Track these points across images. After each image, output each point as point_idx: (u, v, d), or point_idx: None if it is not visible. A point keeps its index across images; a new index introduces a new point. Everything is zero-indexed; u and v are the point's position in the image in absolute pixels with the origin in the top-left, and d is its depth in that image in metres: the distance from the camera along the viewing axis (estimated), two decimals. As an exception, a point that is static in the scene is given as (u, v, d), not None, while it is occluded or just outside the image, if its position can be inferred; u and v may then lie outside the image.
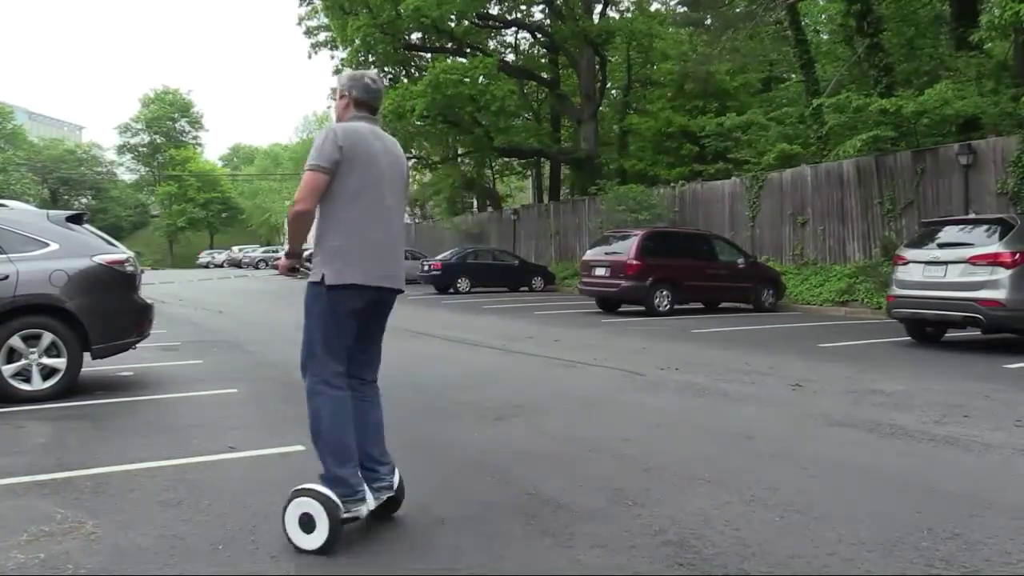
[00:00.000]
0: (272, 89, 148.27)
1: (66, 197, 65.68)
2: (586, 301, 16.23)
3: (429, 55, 30.05)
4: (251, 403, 6.10)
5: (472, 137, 29.00)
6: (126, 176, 76.17)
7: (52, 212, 6.80)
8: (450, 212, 39.39)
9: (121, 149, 73.68)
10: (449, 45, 28.61)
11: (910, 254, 9.73)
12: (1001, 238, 8.74)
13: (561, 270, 25.24)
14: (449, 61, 27.04)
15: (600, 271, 14.86)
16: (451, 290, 22.59)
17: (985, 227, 9.22)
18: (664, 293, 14.26)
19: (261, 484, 3.86)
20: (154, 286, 20.49)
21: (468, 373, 7.64)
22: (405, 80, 28.75)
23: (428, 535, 3.22)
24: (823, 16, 26.08)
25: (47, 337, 6.12)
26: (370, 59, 27.10)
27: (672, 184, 22.86)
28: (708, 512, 3.46)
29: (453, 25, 27.38)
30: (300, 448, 4.33)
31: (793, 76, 26.33)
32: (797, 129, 20.84)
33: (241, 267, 50.21)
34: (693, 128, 25.55)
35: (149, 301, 7.10)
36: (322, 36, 31.34)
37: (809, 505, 3.56)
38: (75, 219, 6.76)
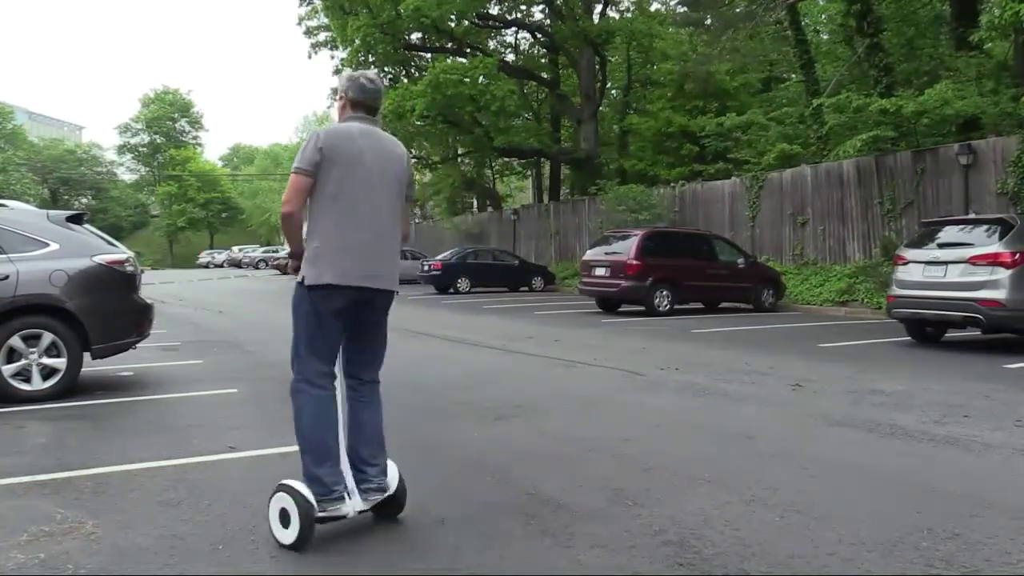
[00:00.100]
0: (272, 89, 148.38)
1: (66, 197, 65.68)
2: (586, 301, 16.23)
3: (429, 55, 30.07)
4: (251, 403, 6.11)
5: (472, 137, 29.01)
6: (126, 176, 76.23)
7: (52, 212, 6.80)
8: (450, 212, 39.41)
9: (121, 149, 73.71)
10: (449, 45, 28.62)
11: (910, 254, 9.73)
12: (1001, 238, 8.74)
13: (561, 270, 25.24)
14: (449, 61, 27.05)
15: (600, 271, 14.86)
16: (451, 290, 22.59)
17: (985, 227, 9.22)
18: (664, 293, 14.27)
19: (261, 484, 3.85)
20: (154, 286, 20.50)
21: (468, 373, 7.64)
22: (405, 80, 28.76)
23: (428, 535, 3.22)
24: (823, 16, 26.08)
25: (47, 337, 6.13)
26: (370, 59, 27.11)
27: (672, 184, 22.86)
28: (708, 512, 3.46)
29: (453, 25, 27.39)
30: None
31: (793, 76, 26.33)
32: (797, 129, 20.85)
33: (241, 267, 50.24)
34: (693, 128, 25.56)
35: (149, 301, 7.10)
36: (322, 36, 31.39)
37: (809, 505, 3.56)
38: (75, 219, 6.76)
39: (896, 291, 9.69)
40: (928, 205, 15.18)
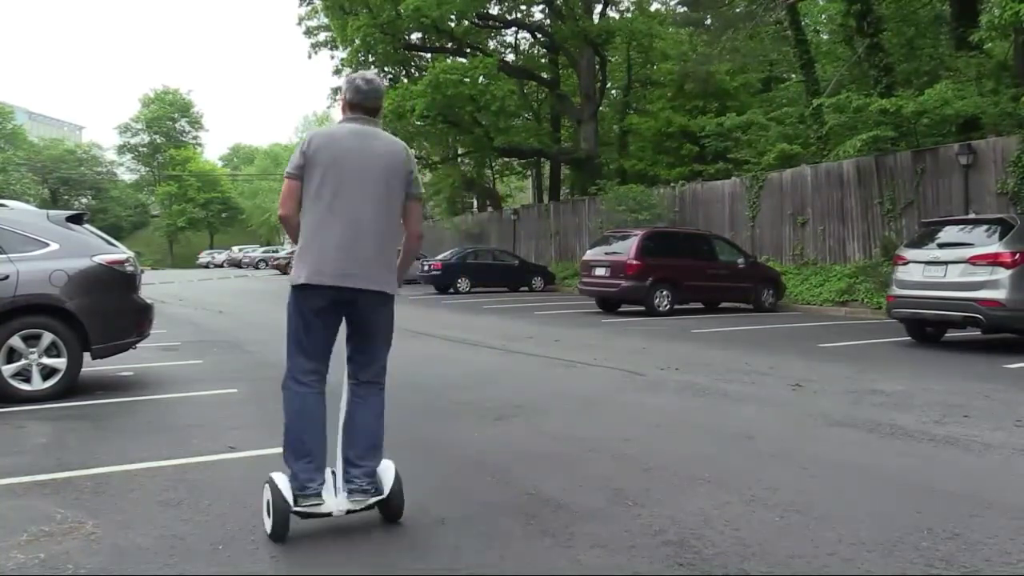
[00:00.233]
0: (272, 89, 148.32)
1: (66, 197, 65.68)
2: (586, 301, 16.22)
3: (429, 55, 30.07)
4: (251, 403, 6.11)
5: (472, 137, 29.01)
6: (126, 176, 76.25)
7: (52, 212, 6.81)
8: (450, 212, 39.41)
9: (121, 149, 73.74)
10: (449, 45, 28.61)
11: (910, 254, 9.73)
12: (1001, 238, 8.74)
13: (561, 270, 25.24)
14: (449, 61, 27.04)
15: (600, 271, 14.86)
16: (451, 290, 22.60)
17: (985, 227, 9.22)
18: (664, 293, 14.26)
19: (261, 484, 3.85)
20: (154, 286, 20.50)
21: (468, 373, 7.65)
22: (405, 80, 28.75)
23: (428, 535, 3.22)
24: (823, 16, 26.07)
25: (47, 337, 6.13)
26: (370, 59, 27.11)
27: (672, 184, 22.86)
28: (708, 512, 3.46)
29: (453, 25, 27.38)
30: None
31: (793, 76, 26.33)
32: (797, 129, 20.84)
33: (241, 267, 50.25)
34: (693, 128, 25.55)
35: (149, 301, 7.10)
36: (322, 36, 31.38)
37: (809, 505, 3.56)
38: (75, 219, 6.76)
39: (896, 291, 9.69)
40: (928, 205, 15.17)
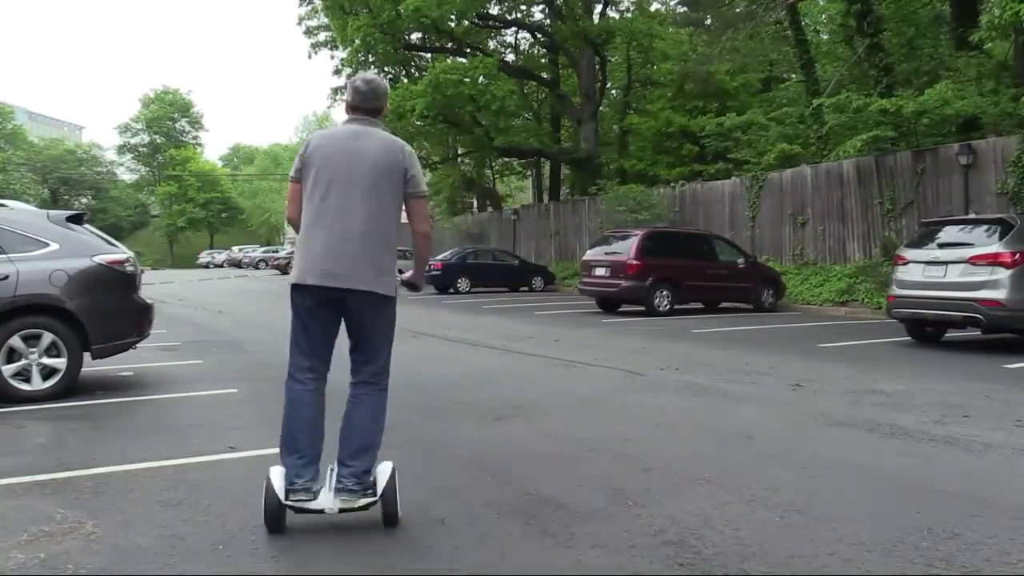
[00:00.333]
0: (272, 89, 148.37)
1: (66, 197, 65.69)
2: (586, 301, 16.22)
3: (429, 55, 30.05)
4: (251, 403, 6.11)
5: (472, 137, 29.00)
6: (126, 176, 76.28)
7: (52, 212, 6.81)
8: (450, 212, 39.39)
9: (121, 149, 73.78)
10: (449, 45, 28.61)
11: (910, 254, 9.73)
12: (1001, 238, 8.74)
13: (561, 270, 25.23)
14: (449, 61, 27.03)
15: (600, 271, 14.86)
16: (451, 290, 22.60)
17: (985, 227, 9.22)
18: (664, 293, 14.26)
19: (261, 484, 3.85)
20: (154, 286, 20.49)
21: (468, 373, 7.65)
22: (405, 80, 28.74)
23: (428, 535, 3.22)
24: (823, 16, 26.07)
25: (47, 337, 6.12)
26: (370, 59, 27.10)
27: (672, 184, 22.86)
28: (708, 512, 3.46)
29: (453, 25, 27.38)
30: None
31: (793, 76, 26.32)
32: (797, 129, 20.84)
33: (241, 267, 50.25)
34: (693, 128, 25.55)
35: (149, 301, 7.10)
36: (322, 36, 31.35)
37: (809, 505, 3.56)
38: (75, 219, 6.76)
39: (896, 291, 9.69)
40: (928, 205, 15.17)
